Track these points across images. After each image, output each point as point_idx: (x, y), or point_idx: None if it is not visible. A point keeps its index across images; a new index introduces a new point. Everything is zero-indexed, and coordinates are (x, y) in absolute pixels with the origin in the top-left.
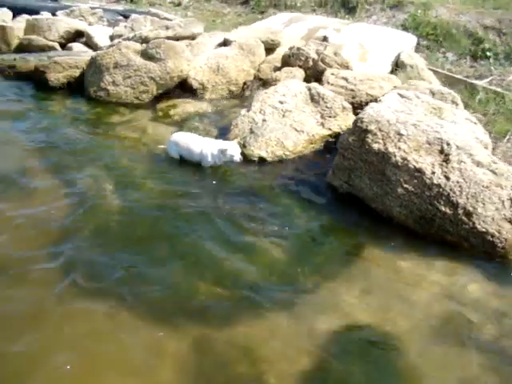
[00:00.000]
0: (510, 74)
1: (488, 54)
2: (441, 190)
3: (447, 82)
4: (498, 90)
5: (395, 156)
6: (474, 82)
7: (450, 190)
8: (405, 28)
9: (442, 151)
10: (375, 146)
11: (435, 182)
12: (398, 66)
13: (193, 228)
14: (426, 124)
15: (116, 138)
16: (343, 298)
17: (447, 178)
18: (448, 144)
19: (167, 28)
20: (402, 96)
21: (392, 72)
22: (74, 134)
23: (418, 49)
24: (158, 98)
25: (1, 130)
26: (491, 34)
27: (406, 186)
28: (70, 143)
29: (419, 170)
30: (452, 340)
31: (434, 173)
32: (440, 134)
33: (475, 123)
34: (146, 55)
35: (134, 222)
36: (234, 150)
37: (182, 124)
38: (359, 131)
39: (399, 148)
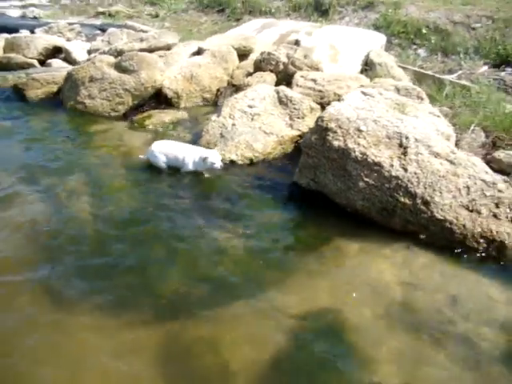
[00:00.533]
0: (479, 68)
1: (458, 48)
2: (399, 181)
3: (417, 77)
4: (465, 83)
5: (355, 151)
6: (442, 76)
7: (408, 181)
8: (376, 27)
9: (401, 145)
10: (336, 143)
11: (394, 174)
12: (367, 65)
13: (163, 228)
14: (386, 119)
15: (91, 149)
16: (305, 288)
17: (405, 170)
18: (407, 137)
19: (141, 40)
20: (364, 94)
21: (362, 71)
22: (50, 145)
23: (390, 47)
24: (135, 109)
25: None
26: (461, 29)
27: (366, 179)
28: (46, 154)
29: (378, 164)
30: (409, 325)
31: (392, 165)
32: (399, 129)
33: (438, 116)
34: (119, 68)
35: (109, 224)
36: (214, 157)
37: (156, 133)
38: (320, 130)
39: (358, 144)
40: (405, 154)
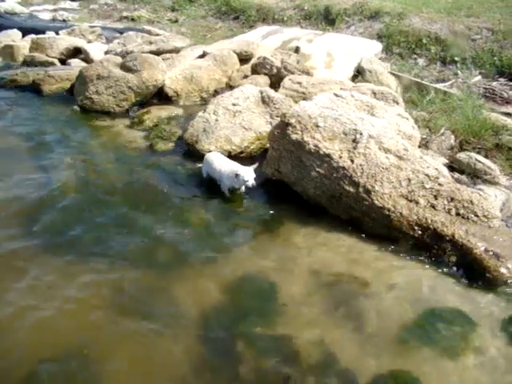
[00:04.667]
0: (474, 77)
1: (456, 58)
2: (345, 171)
3: (407, 84)
4: (448, 90)
5: (309, 144)
6: (430, 84)
7: (353, 171)
8: (379, 37)
9: (354, 140)
10: (294, 137)
11: (341, 165)
12: (359, 72)
13: (139, 208)
14: (346, 118)
15: (92, 136)
16: (250, 258)
17: (352, 161)
18: (361, 133)
19: (151, 43)
20: (336, 95)
21: (354, 77)
22: (57, 134)
23: (390, 56)
24: (138, 105)
25: None
26: (460, 40)
27: (318, 169)
28: (52, 140)
29: (328, 156)
30: (342, 305)
31: (340, 157)
32: (357, 126)
33: (407, 119)
34: (124, 67)
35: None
36: (247, 174)
37: (152, 127)
38: (283, 124)
39: (313, 137)
40: (355, 147)
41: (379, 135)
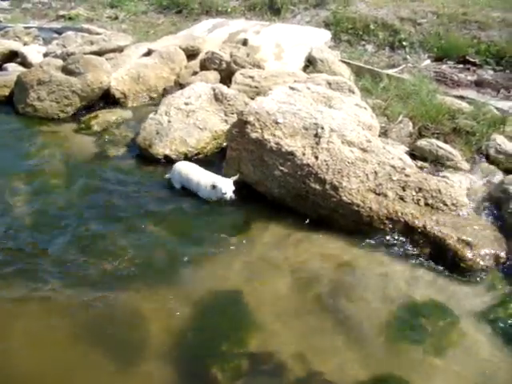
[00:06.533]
0: (423, 61)
1: (404, 43)
2: (310, 168)
3: (358, 72)
4: (401, 76)
5: (270, 142)
6: (381, 70)
7: (318, 168)
8: (326, 24)
9: (316, 134)
10: (253, 135)
11: (305, 162)
12: (310, 62)
13: (99, 215)
14: (305, 112)
15: (37, 147)
16: (220, 268)
17: (316, 158)
18: (322, 128)
19: (92, 43)
20: (292, 88)
21: (305, 67)
22: None
23: (339, 43)
24: (84, 110)
25: None
26: (407, 24)
27: (281, 168)
28: None
29: (291, 153)
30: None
31: (304, 154)
32: (317, 120)
33: (365, 108)
34: (66, 70)
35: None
36: (225, 186)
37: (101, 133)
38: (241, 123)
39: (274, 135)
40: (318, 143)
41: (340, 128)
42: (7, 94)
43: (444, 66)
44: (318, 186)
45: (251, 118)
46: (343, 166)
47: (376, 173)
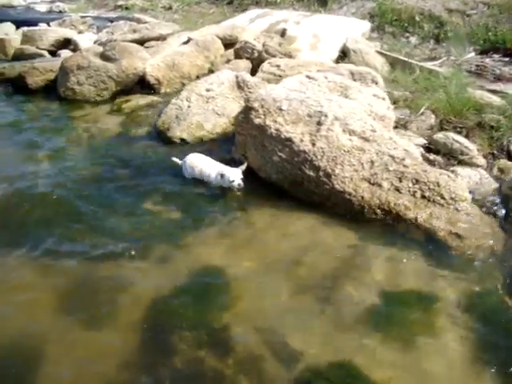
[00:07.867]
0: (467, 54)
1: (450, 35)
2: (306, 155)
3: (394, 63)
4: (435, 68)
5: (270, 128)
6: (414, 62)
7: (314, 155)
8: (371, 16)
9: (319, 122)
10: (256, 121)
11: (302, 148)
12: (344, 53)
13: (110, 195)
14: (313, 100)
15: (74, 124)
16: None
17: (313, 145)
18: (326, 115)
19: (134, 31)
20: (309, 77)
21: (340, 58)
22: (37, 125)
23: (383, 35)
24: (120, 94)
25: None
26: (455, 16)
27: (280, 154)
28: (31, 133)
29: (289, 139)
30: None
31: (302, 141)
32: (322, 108)
33: (383, 99)
34: (104, 57)
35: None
36: (233, 175)
37: (130, 114)
38: (246, 109)
39: (275, 121)
40: (318, 130)
41: (346, 117)
42: (52, 78)
43: (487, 60)
44: (312, 173)
45: (256, 105)
46: (338, 154)
47: (372, 162)
